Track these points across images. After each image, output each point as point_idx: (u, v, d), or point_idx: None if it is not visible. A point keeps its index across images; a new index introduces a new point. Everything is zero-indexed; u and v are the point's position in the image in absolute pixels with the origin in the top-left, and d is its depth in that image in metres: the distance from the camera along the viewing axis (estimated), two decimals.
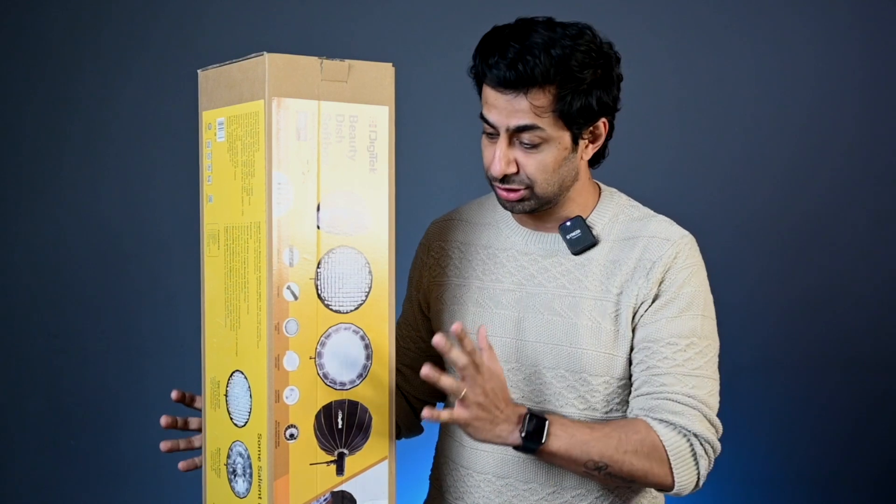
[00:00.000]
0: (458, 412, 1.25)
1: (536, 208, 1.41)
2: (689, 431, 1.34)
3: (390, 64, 1.28)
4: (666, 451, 1.33)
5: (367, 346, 1.28)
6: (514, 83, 1.29)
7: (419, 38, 2.89)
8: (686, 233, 1.42)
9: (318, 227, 1.25)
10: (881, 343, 2.80)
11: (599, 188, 1.48)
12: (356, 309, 1.28)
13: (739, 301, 2.74)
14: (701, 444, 1.35)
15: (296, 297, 1.24)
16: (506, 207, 1.42)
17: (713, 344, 1.40)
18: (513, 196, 1.38)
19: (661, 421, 1.35)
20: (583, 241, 1.42)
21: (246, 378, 1.26)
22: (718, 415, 1.37)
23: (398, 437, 1.61)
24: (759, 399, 2.83)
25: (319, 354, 1.25)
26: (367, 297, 1.28)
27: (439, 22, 2.89)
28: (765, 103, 2.81)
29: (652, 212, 1.46)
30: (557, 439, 1.29)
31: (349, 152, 1.26)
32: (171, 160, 2.79)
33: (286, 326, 1.23)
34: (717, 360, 1.41)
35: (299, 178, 1.23)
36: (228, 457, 1.31)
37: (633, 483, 1.37)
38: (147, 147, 2.91)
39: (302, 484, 1.26)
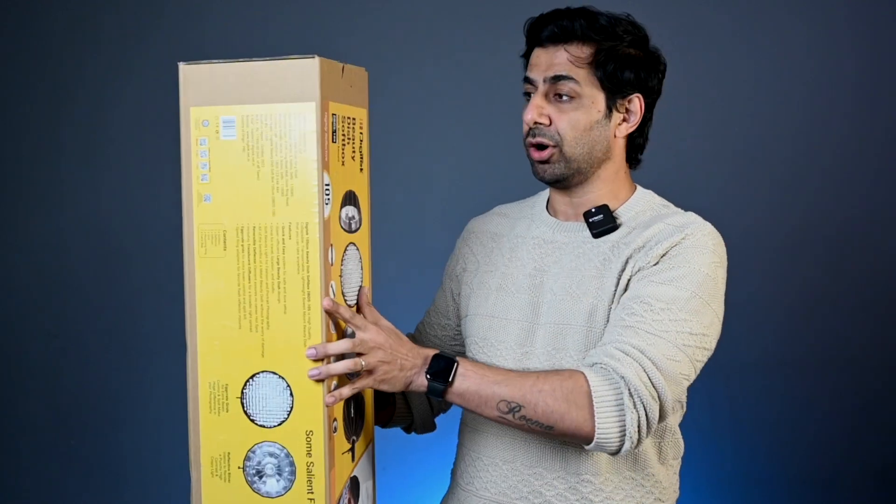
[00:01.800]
0: (361, 381, 1.28)
1: (566, 175, 1.43)
2: (620, 376, 1.27)
3: (363, 68, 1.33)
4: (590, 394, 1.27)
5: (353, 334, 1.33)
6: (557, 36, 1.41)
7: (421, 38, 2.89)
8: (708, 224, 1.41)
9: (342, 227, 1.29)
10: (881, 343, 2.80)
11: (636, 188, 1.51)
12: (355, 301, 1.35)
13: (740, 301, 2.72)
14: (631, 394, 1.27)
15: (333, 294, 1.27)
16: (537, 175, 1.45)
17: (693, 322, 1.33)
18: (542, 154, 1.42)
19: (594, 364, 1.30)
20: (603, 224, 1.44)
21: (283, 378, 1.26)
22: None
23: (411, 431, 1.64)
24: (760, 399, 2.83)
25: None
26: (359, 290, 1.36)
27: (441, 22, 2.90)
28: (765, 104, 2.81)
29: (682, 210, 1.47)
30: (465, 379, 1.29)
31: (351, 153, 1.30)
32: (171, 160, 2.79)
33: (333, 324, 1.27)
34: (694, 341, 1.32)
35: (335, 179, 1.27)
36: (247, 459, 1.30)
37: (552, 430, 1.30)
38: (147, 147, 2.91)
39: (339, 473, 1.29)
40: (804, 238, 2.82)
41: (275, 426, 1.28)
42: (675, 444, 1.48)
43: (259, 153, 1.26)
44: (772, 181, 2.81)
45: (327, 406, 1.25)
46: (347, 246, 1.30)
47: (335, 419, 1.27)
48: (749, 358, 2.79)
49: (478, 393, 1.29)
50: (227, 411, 1.31)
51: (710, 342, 1.36)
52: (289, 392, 1.26)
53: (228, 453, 1.32)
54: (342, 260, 1.28)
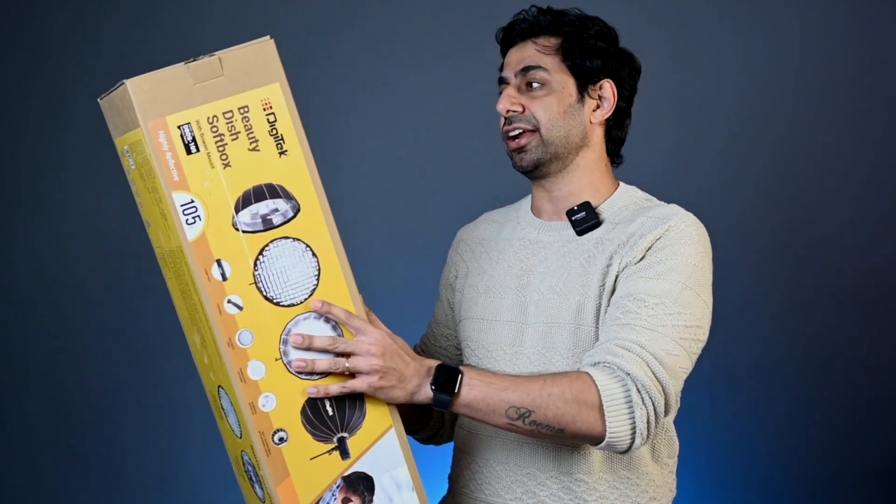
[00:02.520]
0: (352, 383, 1.23)
1: (543, 160, 1.44)
2: (625, 373, 1.27)
3: (268, 37, 1.21)
4: (598, 393, 1.26)
5: (334, 327, 1.25)
6: (525, 32, 1.45)
7: (421, 38, 2.89)
8: (690, 214, 1.41)
9: (240, 231, 1.20)
10: (881, 343, 2.79)
11: (619, 184, 1.51)
12: (311, 295, 1.24)
13: (740, 301, 2.74)
14: (638, 390, 1.27)
15: (241, 308, 1.20)
16: (515, 165, 1.46)
17: (687, 315, 1.33)
18: (520, 142, 1.43)
19: (597, 363, 1.29)
20: (586, 221, 1.44)
21: (227, 394, 1.26)
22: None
23: (430, 442, 1.61)
24: (759, 399, 2.83)
25: (285, 353, 1.22)
26: (318, 280, 1.24)
27: (441, 22, 2.90)
28: (759, 102, 2.81)
29: (665, 203, 1.46)
30: (472, 389, 1.26)
31: (251, 145, 1.20)
32: None
33: (240, 339, 1.20)
34: (690, 333, 1.33)
35: (205, 192, 1.18)
36: (243, 465, 1.32)
37: (562, 433, 1.29)
38: None
39: (307, 481, 1.24)
40: (805, 237, 2.82)
41: (241, 438, 1.28)
42: (670, 443, 1.47)
43: (145, 180, 1.23)
44: (770, 181, 2.81)
45: (311, 396, 1.22)
46: (268, 244, 1.21)
47: (279, 430, 1.22)
48: (750, 358, 2.79)
49: (485, 401, 1.27)
50: (223, 419, 1.34)
51: (703, 334, 1.36)
52: (234, 407, 1.25)
53: (237, 457, 1.34)
54: (256, 264, 1.21)
